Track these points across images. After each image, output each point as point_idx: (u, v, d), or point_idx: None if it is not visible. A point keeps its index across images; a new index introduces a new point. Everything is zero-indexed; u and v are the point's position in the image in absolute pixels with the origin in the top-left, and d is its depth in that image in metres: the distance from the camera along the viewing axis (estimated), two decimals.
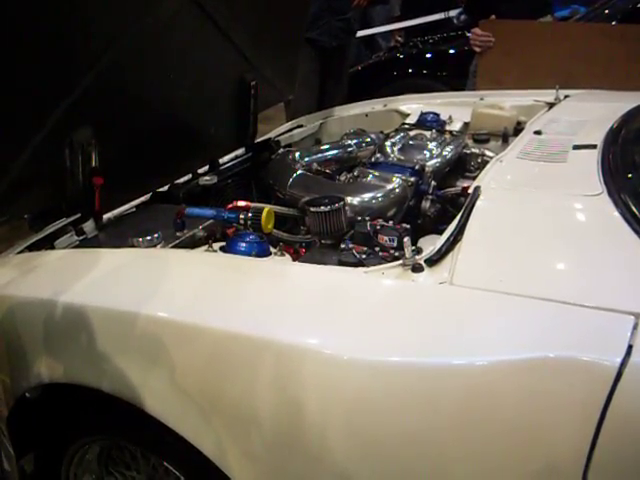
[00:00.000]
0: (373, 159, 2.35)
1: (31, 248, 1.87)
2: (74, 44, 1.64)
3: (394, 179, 2.11)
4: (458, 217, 1.50)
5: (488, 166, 1.80)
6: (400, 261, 1.41)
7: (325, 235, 1.84)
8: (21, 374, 1.63)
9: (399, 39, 7.30)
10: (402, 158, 2.33)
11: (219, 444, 1.35)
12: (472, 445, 1.15)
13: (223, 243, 1.77)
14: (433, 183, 2.14)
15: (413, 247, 1.43)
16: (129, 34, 1.77)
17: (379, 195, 2.05)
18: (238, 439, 1.34)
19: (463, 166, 2.43)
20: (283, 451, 1.30)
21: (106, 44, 1.72)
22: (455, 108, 2.80)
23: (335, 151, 2.53)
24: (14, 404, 1.68)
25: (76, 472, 1.78)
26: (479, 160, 2.40)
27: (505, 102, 2.65)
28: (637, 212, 1.37)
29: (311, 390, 1.24)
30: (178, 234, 1.87)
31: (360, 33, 5.79)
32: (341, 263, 1.61)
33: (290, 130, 2.94)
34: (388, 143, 2.43)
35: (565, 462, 1.10)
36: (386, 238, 1.68)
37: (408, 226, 1.72)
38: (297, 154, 2.45)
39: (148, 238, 1.77)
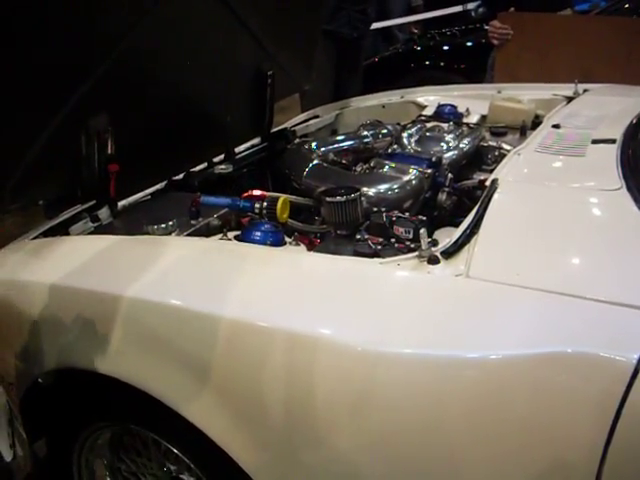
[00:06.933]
0: (390, 150, 2.34)
1: (46, 234, 1.87)
2: (91, 30, 1.63)
3: (410, 170, 2.09)
4: (475, 210, 1.49)
5: (506, 159, 1.78)
6: (416, 253, 1.39)
7: (340, 225, 1.83)
8: (34, 359, 1.64)
9: (415, 31, 7.27)
10: (419, 150, 2.32)
11: (229, 432, 1.35)
12: (484, 439, 1.14)
13: (238, 232, 1.77)
14: (450, 175, 2.13)
15: (429, 239, 1.42)
16: (146, 21, 1.76)
17: (395, 186, 2.04)
18: (248, 427, 1.34)
19: (480, 159, 2.40)
20: (293, 439, 1.30)
21: (123, 30, 1.72)
22: (472, 100, 2.77)
23: (351, 142, 2.52)
24: (27, 389, 1.69)
25: (88, 457, 1.79)
26: (496, 153, 2.38)
27: (523, 95, 2.62)
28: None
29: (323, 380, 1.24)
30: (193, 222, 1.87)
31: (377, 25, 5.77)
32: (356, 254, 1.60)
33: (306, 120, 2.93)
34: (405, 134, 2.41)
35: (579, 459, 1.09)
36: (402, 229, 1.67)
37: (424, 218, 1.71)
38: (313, 144, 2.45)
39: (163, 226, 1.78)
